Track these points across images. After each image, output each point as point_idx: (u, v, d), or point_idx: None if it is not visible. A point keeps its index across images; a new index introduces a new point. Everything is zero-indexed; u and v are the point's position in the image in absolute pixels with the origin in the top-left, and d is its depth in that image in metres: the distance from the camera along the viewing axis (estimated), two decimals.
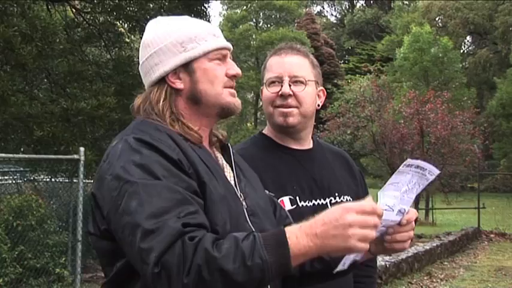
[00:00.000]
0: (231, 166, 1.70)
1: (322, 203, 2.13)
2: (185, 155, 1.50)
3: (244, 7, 45.34)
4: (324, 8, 65.34)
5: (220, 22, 45.71)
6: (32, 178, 8.85)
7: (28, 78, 9.13)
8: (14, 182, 9.07)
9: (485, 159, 23.90)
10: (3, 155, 7.22)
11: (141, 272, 1.38)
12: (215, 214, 1.47)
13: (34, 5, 8.44)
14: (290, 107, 2.12)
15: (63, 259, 7.45)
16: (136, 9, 10.09)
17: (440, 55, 35.26)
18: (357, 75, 34.41)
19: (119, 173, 1.43)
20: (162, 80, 1.63)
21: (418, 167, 1.50)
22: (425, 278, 9.68)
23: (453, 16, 43.59)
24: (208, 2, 11.36)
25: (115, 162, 1.46)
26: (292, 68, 2.13)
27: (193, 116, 1.64)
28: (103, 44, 10.37)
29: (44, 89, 10.12)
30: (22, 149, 9.15)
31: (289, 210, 1.96)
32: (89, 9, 10.33)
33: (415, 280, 9.41)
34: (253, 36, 42.95)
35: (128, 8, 10.17)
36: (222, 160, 1.70)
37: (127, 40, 10.82)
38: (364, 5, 60.13)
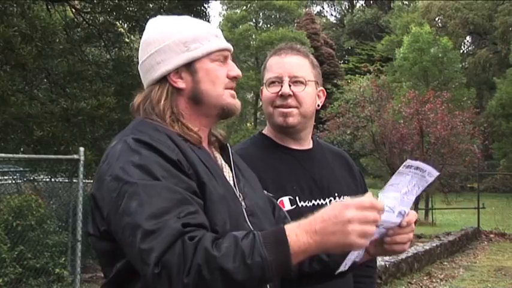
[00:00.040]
0: (230, 166, 1.70)
1: (322, 203, 2.13)
2: (184, 156, 1.50)
3: (244, 7, 45.31)
4: (323, 8, 65.39)
5: (220, 22, 45.71)
6: (31, 178, 8.84)
7: (28, 78, 9.13)
8: (13, 182, 9.06)
9: (484, 160, 23.88)
10: (3, 155, 7.21)
11: (141, 273, 1.38)
12: (215, 214, 1.47)
13: (34, 5, 8.44)
14: (290, 107, 2.12)
15: (63, 259, 7.45)
16: (136, 9, 10.10)
17: (440, 55, 35.28)
18: (357, 75, 34.39)
19: (118, 173, 1.43)
20: (163, 79, 1.63)
21: (417, 168, 1.50)
22: (425, 278, 9.68)
23: (453, 16, 43.60)
24: (208, 2, 11.39)
25: (114, 163, 1.46)
26: (292, 68, 2.14)
27: (194, 115, 1.64)
28: (103, 44, 10.37)
29: (43, 89, 10.12)
30: (22, 149, 9.15)
31: (288, 211, 1.96)
32: (89, 9, 10.34)
33: (414, 280, 9.41)
34: (253, 36, 42.93)
35: (127, 8, 10.18)
36: (221, 160, 1.70)
37: (127, 40, 10.82)
38: (363, 5, 60.12)
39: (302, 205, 2.10)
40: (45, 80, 9.80)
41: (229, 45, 1.70)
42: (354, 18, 56.02)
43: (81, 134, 8.55)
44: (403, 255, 9.37)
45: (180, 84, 1.62)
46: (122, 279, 1.49)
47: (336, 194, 2.18)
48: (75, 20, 10.27)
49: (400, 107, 18.13)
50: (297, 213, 1.90)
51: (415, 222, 1.63)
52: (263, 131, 2.29)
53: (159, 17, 1.73)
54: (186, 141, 1.56)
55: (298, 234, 1.36)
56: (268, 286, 1.59)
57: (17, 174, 9.16)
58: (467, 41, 51.04)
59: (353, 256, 1.57)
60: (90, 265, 8.74)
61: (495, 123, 34.28)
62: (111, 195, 1.43)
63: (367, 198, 1.40)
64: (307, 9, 50.61)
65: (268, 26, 45.79)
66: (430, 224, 16.43)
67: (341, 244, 1.37)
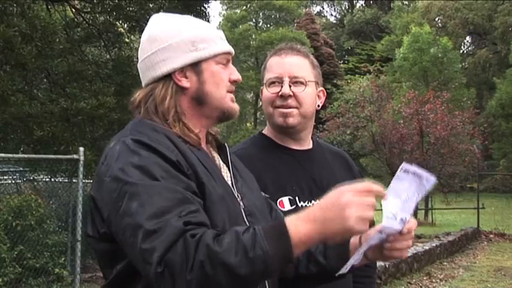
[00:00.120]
0: (227, 166, 1.70)
1: None
2: (183, 156, 1.50)
3: (244, 7, 45.33)
4: (323, 8, 65.39)
5: (219, 22, 45.74)
6: (31, 178, 8.84)
7: (28, 78, 9.14)
8: (13, 182, 9.05)
9: (484, 160, 23.89)
10: (2, 154, 7.21)
11: (143, 273, 1.37)
12: (214, 214, 1.47)
13: (34, 5, 8.44)
14: (290, 107, 2.12)
15: (63, 259, 7.45)
16: (136, 9, 10.10)
17: (439, 55, 35.29)
18: (357, 75, 34.41)
19: (117, 174, 1.43)
20: (167, 77, 1.62)
21: (415, 174, 1.49)
22: (424, 278, 9.69)
23: (453, 16, 43.61)
24: (208, 2, 11.41)
25: (113, 164, 1.45)
26: (292, 69, 2.13)
27: (195, 116, 1.64)
28: (103, 44, 10.38)
29: (43, 88, 10.13)
30: (22, 149, 9.15)
31: (288, 211, 1.96)
32: (89, 9, 10.34)
33: (414, 280, 9.41)
34: (253, 36, 42.95)
35: (127, 8, 10.18)
36: (219, 160, 1.70)
37: (126, 40, 10.83)
38: (363, 5, 60.12)
39: (302, 205, 2.10)
40: (45, 80, 9.80)
41: (232, 49, 1.70)
42: (354, 18, 56.02)
43: (81, 134, 8.56)
44: None
45: (185, 83, 1.62)
46: (122, 281, 1.48)
47: None
48: (75, 19, 10.27)
49: (400, 107, 18.13)
50: None
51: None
52: (263, 131, 2.29)
53: (163, 14, 1.72)
54: (186, 143, 1.56)
55: (298, 225, 1.37)
56: (267, 286, 1.59)
57: (17, 174, 9.16)
58: (467, 41, 51.07)
59: (353, 260, 1.57)
60: (89, 265, 8.74)
61: (495, 123, 34.28)
62: (111, 196, 1.42)
63: (363, 183, 1.41)
64: (307, 9, 50.62)
65: (268, 26, 45.82)
66: (429, 224, 16.43)
67: (340, 230, 1.37)
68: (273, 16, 45.99)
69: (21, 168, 9.17)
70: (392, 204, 1.49)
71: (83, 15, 10.31)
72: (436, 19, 45.91)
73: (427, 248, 11.02)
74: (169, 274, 1.31)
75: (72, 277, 7.19)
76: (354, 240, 1.69)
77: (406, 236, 1.58)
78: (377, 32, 53.63)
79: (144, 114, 1.60)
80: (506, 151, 34.11)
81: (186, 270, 1.30)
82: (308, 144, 2.26)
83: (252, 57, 43.46)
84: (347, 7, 62.51)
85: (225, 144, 1.76)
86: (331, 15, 65.58)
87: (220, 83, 1.64)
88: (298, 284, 1.73)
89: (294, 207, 2.08)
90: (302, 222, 1.37)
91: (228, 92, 1.67)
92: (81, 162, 7.12)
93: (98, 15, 10.34)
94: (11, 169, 9.29)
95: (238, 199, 1.62)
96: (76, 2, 10.37)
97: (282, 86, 2.12)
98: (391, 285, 8.91)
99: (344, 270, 1.59)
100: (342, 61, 51.32)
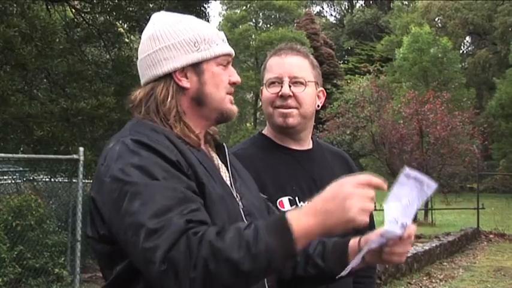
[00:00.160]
0: (226, 166, 1.70)
1: None
2: (183, 157, 1.50)
3: (244, 7, 45.35)
4: (323, 8, 65.42)
5: (219, 22, 45.77)
6: (31, 178, 8.84)
7: (28, 78, 9.14)
8: (13, 182, 9.05)
9: (484, 160, 23.89)
10: (2, 154, 7.21)
11: (146, 272, 1.37)
12: (215, 214, 1.47)
13: (34, 5, 8.45)
14: (290, 107, 2.12)
15: (63, 259, 7.45)
16: (135, 10, 10.10)
17: (439, 55, 35.30)
18: (356, 75, 34.42)
19: (117, 174, 1.42)
20: (168, 76, 1.61)
21: (416, 179, 1.50)
22: (424, 278, 9.68)
23: (452, 16, 43.62)
24: (208, 2, 11.41)
25: (113, 165, 1.45)
26: (292, 69, 2.13)
27: (194, 117, 1.64)
28: (102, 44, 10.38)
29: (43, 88, 10.13)
30: (21, 149, 9.15)
31: (288, 211, 1.95)
32: (89, 9, 10.34)
33: (414, 280, 9.41)
34: (253, 37, 42.98)
35: (127, 8, 10.18)
36: (217, 160, 1.70)
37: (126, 40, 10.83)
38: (363, 5, 60.13)
39: (302, 205, 2.10)
40: (45, 80, 9.80)
41: (233, 51, 1.70)
42: (354, 19, 56.03)
43: (80, 134, 8.56)
44: None
45: (185, 83, 1.61)
46: (122, 282, 1.48)
47: None
48: (75, 20, 10.27)
49: (399, 107, 18.14)
50: None
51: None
52: (263, 131, 2.29)
53: (165, 12, 1.71)
54: (186, 144, 1.56)
55: (300, 218, 1.37)
56: (266, 286, 1.59)
57: (17, 174, 9.16)
58: (467, 41, 51.11)
59: (353, 263, 1.58)
60: (89, 265, 8.74)
61: (495, 123, 34.30)
62: (111, 196, 1.42)
63: (363, 175, 1.42)
64: (306, 10, 50.65)
65: (268, 26, 45.84)
66: (429, 225, 16.42)
67: (342, 221, 1.37)
68: (272, 16, 46.01)
69: (21, 168, 9.17)
70: (394, 209, 1.50)
71: (82, 15, 10.32)
72: (436, 19, 45.92)
73: (427, 248, 11.02)
74: (173, 272, 1.30)
75: (72, 277, 7.19)
76: (352, 243, 1.69)
77: (406, 241, 1.58)
78: (377, 32, 53.64)
79: (144, 114, 1.60)
80: (506, 151, 34.13)
81: (190, 267, 1.30)
82: (308, 145, 2.26)
83: (251, 57, 43.48)
84: (347, 7, 62.53)
85: (224, 144, 1.76)
86: (331, 15, 65.67)
87: (220, 85, 1.64)
88: (296, 286, 1.73)
89: (293, 207, 2.09)
90: (303, 216, 1.37)
91: (227, 93, 1.67)
92: (81, 162, 7.12)
93: (97, 15, 10.35)
94: (11, 169, 9.29)
95: (237, 199, 1.62)
96: (76, 2, 10.37)
97: (281, 86, 2.12)
98: (391, 285, 8.91)
99: (344, 273, 1.60)
100: (341, 61, 51.34)
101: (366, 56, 48.41)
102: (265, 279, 1.59)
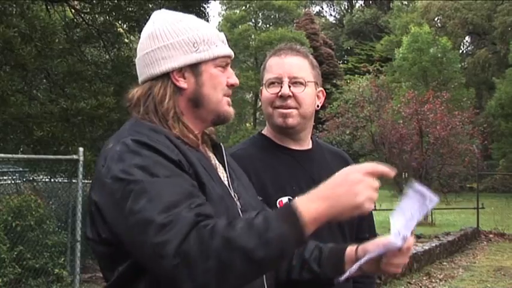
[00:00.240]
0: (223, 166, 1.70)
1: None
2: (184, 156, 1.50)
3: (243, 7, 45.36)
4: (322, 8, 65.45)
5: (219, 22, 45.76)
6: (31, 178, 8.84)
7: (27, 79, 9.14)
8: (13, 182, 9.05)
9: (484, 160, 23.91)
10: (2, 155, 7.20)
11: (157, 268, 1.35)
12: (215, 214, 1.47)
13: (33, 5, 8.44)
14: (289, 108, 2.12)
15: (62, 259, 7.45)
16: (135, 10, 10.10)
17: (439, 55, 35.33)
18: (356, 75, 34.44)
19: (119, 175, 1.41)
20: (165, 76, 1.60)
21: (420, 193, 1.52)
22: (424, 278, 9.68)
23: (452, 16, 43.62)
24: (208, 2, 11.38)
25: (114, 166, 1.43)
26: (292, 69, 2.13)
27: (191, 118, 1.63)
28: (102, 44, 10.37)
29: (43, 89, 10.13)
30: (21, 149, 9.15)
31: None
32: (88, 10, 10.34)
33: (414, 280, 9.41)
34: (252, 37, 42.99)
35: (127, 8, 10.17)
36: (214, 160, 1.70)
37: (126, 40, 10.82)
38: (363, 5, 60.15)
39: None
40: (45, 80, 9.80)
41: (232, 52, 1.70)
42: (353, 19, 56.05)
43: (80, 134, 8.55)
44: None
45: (182, 83, 1.61)
46: (124, 283, 1.47)
47: None
48: (75, 20, 10.27)
49: (399, 107, 18.14)
50: None
51: None
52: (262, 132, 2.29)
53: (164, 11, 1.70)
54: (185, 144, 1.55)
55: (309, 203, 1.38)
56: (265, 285, 1.60)
57: (17, 175, 9.16)
58: (467, 41, 51.11)
59: (351, 272, 1.60)
60: (89, 265, 8.75)
61: (494, 123, 34.29)
62: (114, 197, 1.41)
63: (369, 164, 1.44)
64: (306, 10, 50.67)
65: (268, 26, 45.85)
66: (429, 224, 16.41)
67: (351, 206, 1.39)
68: (272, 16, 46.03)
69: (20, 169, 9.17)
70: (398, 221, 1.53)
71: (82, 15, 10.31)
72: (436, 19, 45.92)
73: (426, 248, 11.02)
74: (186, 265, 1.30)
75: (72, 277, 7.19)
76: (349, 251, 1.70)
77: (405, 253, 1.60)
78: (376, 32, 53.65)
79: (143, 114, 1.59)
80: (505, 151, 34.13)
81: (203, 259, 1.29)
82: (308, 145, 2.26)
83: (251, 57, 43.48)
84: (346, 7, 62.55)
85: (221, 143, 1.76)
86: (331, 15, 65.72)
87: (218, 86, 1.64)
88: None
89: None
90: (312, 201, 1.39)
91: (225, 95, 1.66)
92: (81, 162, 7.12)
93: (97, 16, 10.34)
94: (11, 169, 9.30)
95: (235, 199, 1.62)
96: (75, 2, 10.36)
97: (281, 87, 2.12)
98: (391, 285, 8.91)
99: (342, 279, 1.61)
100: (341, 61, 51.37)
101: (366, 56, 48.45)
102: (264, 278, 1.59)
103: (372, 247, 1.61)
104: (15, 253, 6.86)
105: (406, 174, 17.37)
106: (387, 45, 44.50)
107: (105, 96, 8.27)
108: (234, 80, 1.68)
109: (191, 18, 1.68)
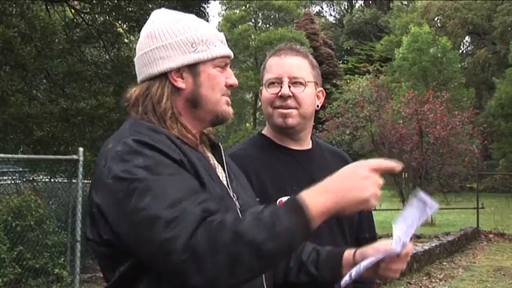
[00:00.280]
0: (222, 166, 1.70)
1: None
2: (185, 156, 1.50)
3: (243, 7, 45.34)
4: (322, 8, 65.45)
5: (219, 22, 45.74)
6: (31, 178, 8.84)
7: (27, 79, 9.13)
8: (13, 182, 9.05)
9: (484, 160, 23.91)
10: (2, 155, 7.20)
11: (165, 265, 1.34)
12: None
13: (33, 5, 8.44)
14: (289, 108, 2.12)
15: (62, 259, 7.45)
16: (135, 10, 10.09)
17: (439, 55, 35.34)
18: (356, 75, 34.45)
19: (122, 175, 1.40)
20: (163, 76, 1.60)
21: (422, 201, 1.54)
22: (424, 278, 9.68)
23: (452, 16, 43.63)
24: (208, 2, 11.38)
25: (115, 166, 1.42)
26: (292, 69, 2.13)
27: (189, 119, 1.63)
28: (102, 44, 10.37)
29: (43, 89, 10.13)
30: (21, 149, 9.15)
31: None
32: (88, 10, 10.34)
33: (414, 280, 9.41)
34: (252, 37, 42.96)
35: (126, 9, 10.17)
36: (213, 160, 1.70)
37: (126, 40, 10.82)
38: (363, 5, 60.14)
39: None
40: (45, 80, 9.80)
41: (231, 53, 1.69)
42: (353, 18, 56.05)
43: (80, 134, 8.55)
44: None
45: (180, 84, 1.60)
46: (125, 283, 1.47)
47: None
48: (75, 20, 10.27)
49: (399, 107, 18.12)
50: None
51: None
52: (262, 132, 2.29)
53: (164, 10, 1.70)
54: (184, 144, 1.55)
55: (315, 196, 1.39)
56: (265, 285, 1.60)
57: (16, 175, 9.16)
58: (467, 41, 51.11)
59: (349, 277, 1.60)
60: (89, 265, 8.75)
61: (494, 123, 34.29)
62: (116, 197, 1.40)
63: (374, 160, 1.46)
64: (306, 9, 50.66)
65: (267, 26, 45.83)
66: (429, 224, 16.40)
67: (357, 200, 1.40)
68: (272, 16, 46.01)
69: (20, 169, 9.17)
70: (400, 228, 1.55)
71: (82, 15, 10.31)
72: (435, 19, 45.93)
73: (426, 248, 11.02)
74: (195, 260, 1.29)
75: (72, 277, 7.20)
76: (347, 255, 1.70)
77: (403, 259, 1.61)
78: (376, 32, 53.65)
79: (142, 114, 1.58)
80: (505, 151, 34.12)
81: (212, 253, 1.29)
82: (307, 145, 2.26)
83: (251, 57, 43.47)
84: (346, 7, 62.55)
85: (219, 143, 1.76)
86: (330, 15, 65.71)
87: (216, 87, 1.63)
88: None
89: None
90: (319, 194, 1.40)
91: (223, 95, 1.66)
92: (81, 162, 7.12)
93: (97, 16, 10.34)
94: (11, 169, 9.29)
95: (234, 199, 1.62)
96: (75, 2, 10.36)
97: (281, 87, 2.12)
98: (391, 285, 8.91)
99: (342, 284, 1.62)
100: (341, 61, 51.36)
101: (366, 56, 48.45)
102: (264, 279, 1.59)
103: (371, 252, 1.62)
104: (15, 253, 6.86)
105: (406, 174, 17.38)
106: (387, 45, 44.50)
107: (105, 96, 8.27)
108: (233, 81, 1.68)
109: (191, 18, 1.68)
